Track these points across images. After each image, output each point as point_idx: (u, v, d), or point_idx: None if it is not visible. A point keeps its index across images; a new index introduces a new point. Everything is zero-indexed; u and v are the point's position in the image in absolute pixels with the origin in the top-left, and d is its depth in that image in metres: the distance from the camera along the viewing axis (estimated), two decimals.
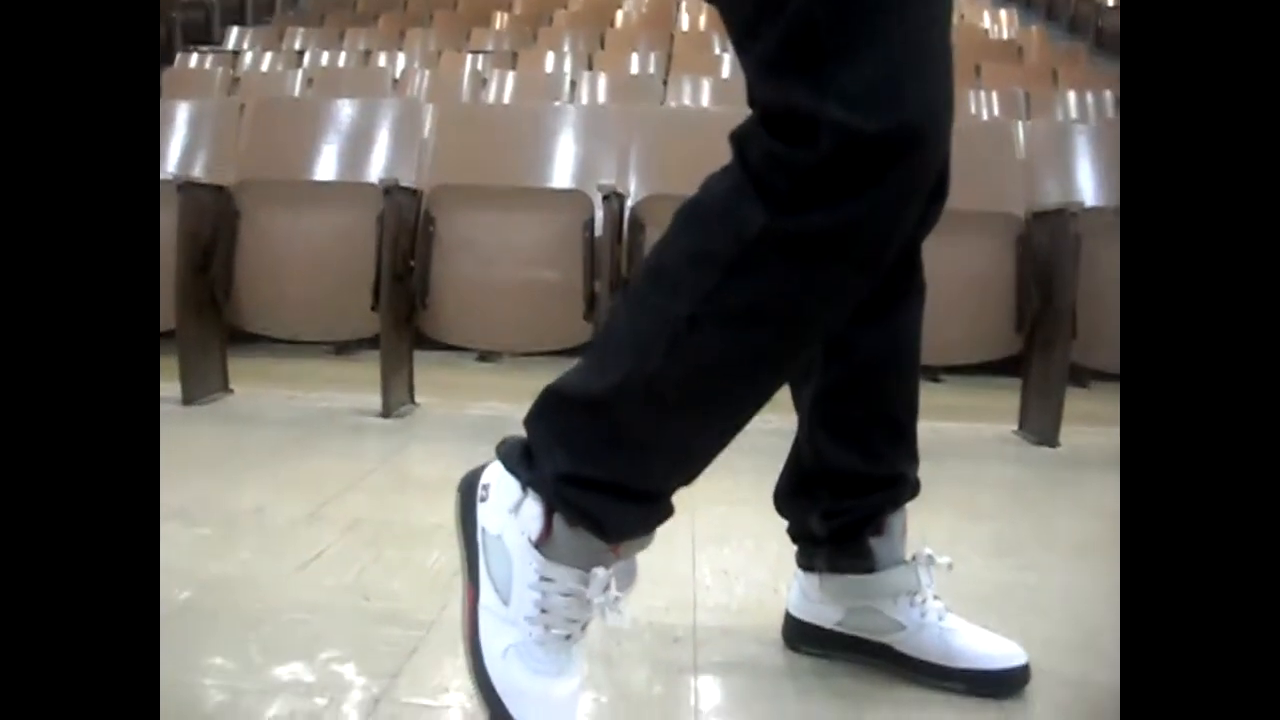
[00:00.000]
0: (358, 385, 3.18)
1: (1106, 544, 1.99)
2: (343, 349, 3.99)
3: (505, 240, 3.02)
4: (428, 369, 3.22)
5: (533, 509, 1.04)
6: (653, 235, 2.93)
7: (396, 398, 3.04)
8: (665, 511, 1.05)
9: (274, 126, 3.48)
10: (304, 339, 3.21)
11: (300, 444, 2.62)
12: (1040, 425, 2.99)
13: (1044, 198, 3.34)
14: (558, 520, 1.02)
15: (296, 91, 6.66)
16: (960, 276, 2.92)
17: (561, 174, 3.30)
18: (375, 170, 3.39)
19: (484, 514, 1.11)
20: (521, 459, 1.06)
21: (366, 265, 2.99)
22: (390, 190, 2.94)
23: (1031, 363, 3.05)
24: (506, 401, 3.33)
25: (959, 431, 3.05)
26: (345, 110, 3.54)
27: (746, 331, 0.92)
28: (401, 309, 3.02)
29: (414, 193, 3.08)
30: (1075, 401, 2.97)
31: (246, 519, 1.94)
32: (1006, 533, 2.05)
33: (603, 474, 0.99)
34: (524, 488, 1.04)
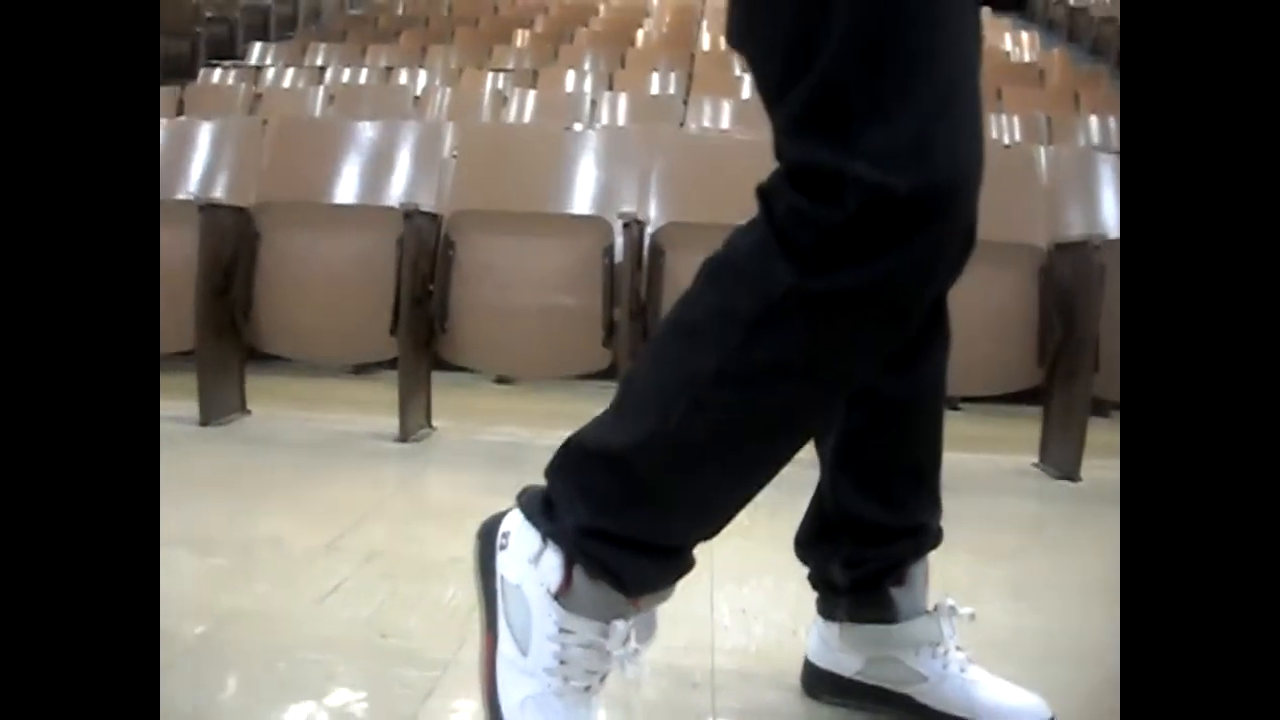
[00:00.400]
0: (375, 407, 3.17)
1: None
2: (360, 369, 3.99)
3: (525, 265, 3.02)
4: (445, 391, 3.21)
5: (553, 560, 1.03)
6: (673, 262, 2.93)
7: (414, 421, 3.04)
8: (686, 565, 1.04)
9: (295, 147, 3.49)
10: (322, 362, 3.20)
11: (317, 469, 2.62)
12: (1061, 458, 2.96)
13: (1067, 227, 3.32)
14: (578, 573, 1.01)
15: (318, 109, 6.69)
16: (982, 307, 2.90)
17: (582, 199, 3.30)
18: (395, 193, 3.40)
19: (503, 562, 1.10)
20: (542, 510, 1.05)
21: (386, 288, 2.99)
22: (410, 214, 2.94)
23: (1053, 395, 3.03)
24: (523, 427, 3.33)
25: (978, 464, 3.03)
26: (366, 132, 3.55)
27: (772, 389, 0.91)
28: (420, 333, 3.02)
29: (434, 217, 3.08)
30: (1097, 432, 2.94)
31: (263, 548, 1.93)
32: (1025, 575, 2.02)
33: (623, 529, 0.98)
34: (544, 539, 1.03)
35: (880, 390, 1.21)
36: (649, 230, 3.01)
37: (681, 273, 2.92)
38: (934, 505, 1.29)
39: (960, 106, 0.87)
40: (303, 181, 3.40)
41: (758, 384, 0.91)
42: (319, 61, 8.73)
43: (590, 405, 3.56)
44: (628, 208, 3.27)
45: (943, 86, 0.86)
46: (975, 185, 0.89)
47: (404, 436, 2.95)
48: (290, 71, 7.98)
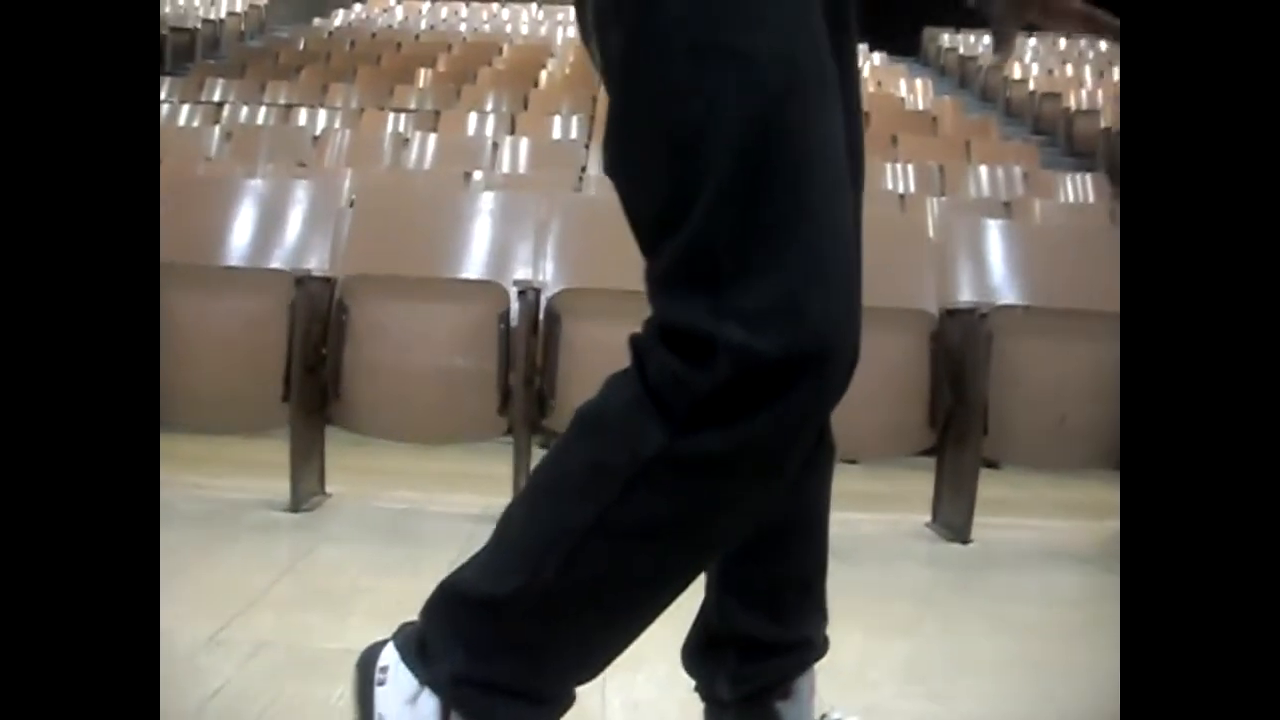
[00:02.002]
0: (267, 469, 3.08)
1: (1016, 664, 2.01)
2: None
3: (420, 331, 2.99)
4: (340, 448, 3.15)
5: (429, 704, 1.01)
6: (569, 328, 2.93)
7: (306, 488, 2.98)
8: (566, 705, 1.02)
9: (188, 205, 3.41)
10: (212, 430, 3.12)
11: (206, 549, 2.54)
12: (952, 519, 3.02)
13: (956, 290, 3.40)
14: (455, 718, 0.99)
15: (213, 149, 6.58)
16: (874, 371, 2.94)
17: (478, 261, 3.28)
18: (289, 251, 3.34)
19: (381, 700, 1.07)
20: (418, 653, 1.03)
21: (277, 353, 2.93)
22: (302, 280, 2.90)
23: (944, 457, 3.09)
24: (418, 490, 3.29)
25: (872, 525, 3.07)
26: (260, 188, 3.49)
27: (645, 545, 0.91)
28: (313, 400, 2.97)
29: (327, 281, 3.03)
30: (988, 485, 3.01)
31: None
32: (919, 655, 2.05)
33: (500, 676, 0.97)
34: (420, 684, 1.01)
35: None
36: (545, 295, 3.00)
37: (577, 338, 2.92)
38: (819, 617, 1.30)
39: (833, 264, 0.88)
40: (194, 239, 3.32)
41: (632, 540, 0.90)
42: (216, 97, 8.58)
43: (485, 466, 3.53)
44: (524, 271, 3.27)
45: (814, 244, 0.87)
46: (851, 340, 0.90)
47: (295, 506, 2.89)
48: (186, 108, 7.82)
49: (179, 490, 3.11)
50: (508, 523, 1.00)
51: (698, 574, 1.03)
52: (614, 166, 0.97)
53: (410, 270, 3.14)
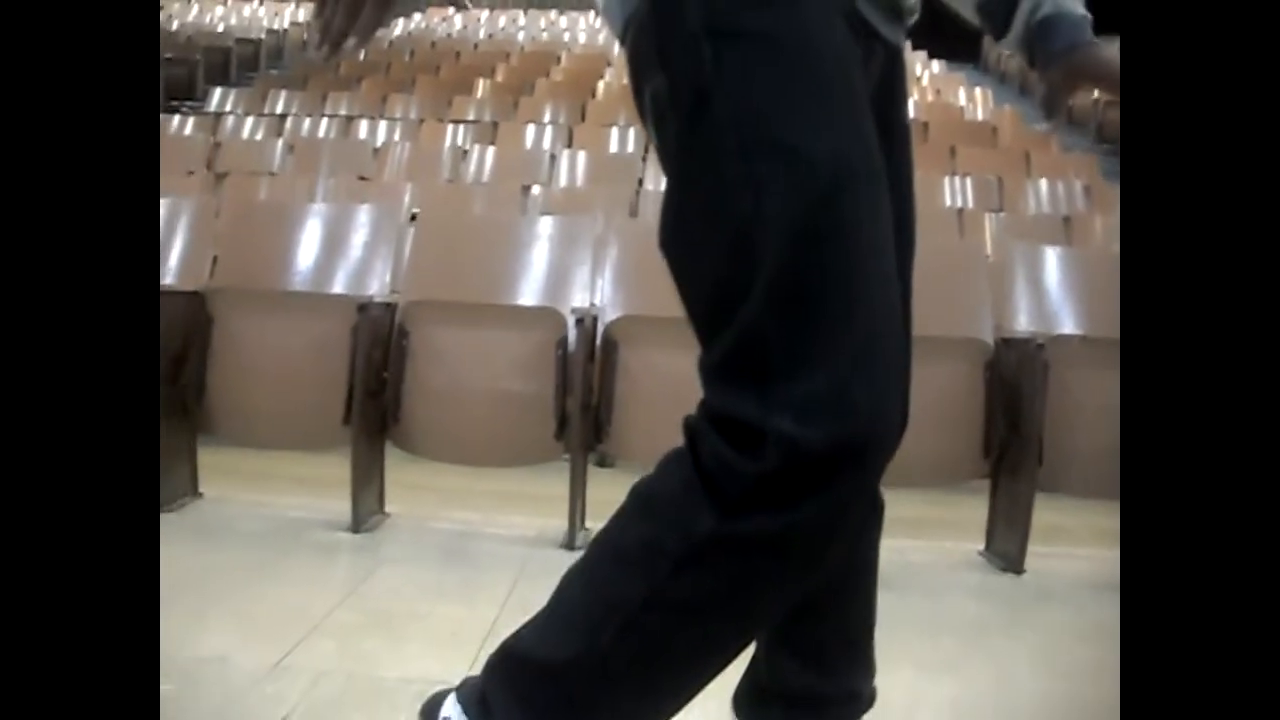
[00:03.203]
0: (328, 487, 3.14)
1: (1066, 707, 2.01)
2: None
3: (479, 356, 3.04)
4: (400, 466, 3.20)
5: None
6: (626, 355, 2.96)
7: (366, 508, 3.05)
8: None
9: (253, 230, 3.50)
10: (276, 447, 3.19)
11: (266, 569, 2.61)
12: (1006, 549, 3.01)
13: (1013, 316, 3.39)
14: None
15: (276, 163, 6.70)
16: (928, 399, 2.94)
17: (536, 287, 3.33)
18: (351, 274, 3.41)
19: None
20: (480, 710, 1.07)
21: (339, 376, 3.00)
22: (365, 306, 2.96)
23: (998, 486, 3.08)
24: (476, 511, 3.34)
25: (923, 554, 3.07)
26: (321, 214, 3.57)
27: (696, 620, 0.95)
28: (373, 423, 3.03)
29: (389, 306, 3.10)
30: (1042, 512, 2.99)
31: (208, 670, 1.93)
32: (967, 694, 2.06)
33: None
34: None
35: None
36: (603, 321, 3.04)
37: (633, 365, 2.95)
38: (867, 670, 1.33)
39: (879, 355, 0.91)
40: (257, 265, 3.40)
41: (683, 615, 0.94)
42: (279, 109, 8.73)
43: (542, 486, 3.56)
44: (581, 296, 3.31)
45: (862, 336, 0.90)
46: (895, 429, 0.93)
47: (356, 526, 2.95)
48: (250, 120, 7.98)
49: (242, 508, 3.20)
50: (566, 589, 1.04)
51: (747, 644, 1.07)
52: (668, 247, 1.00)
53: (469, 295, 3.19)
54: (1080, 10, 1.27)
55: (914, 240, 1.19)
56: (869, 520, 1.28)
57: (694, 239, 0.96)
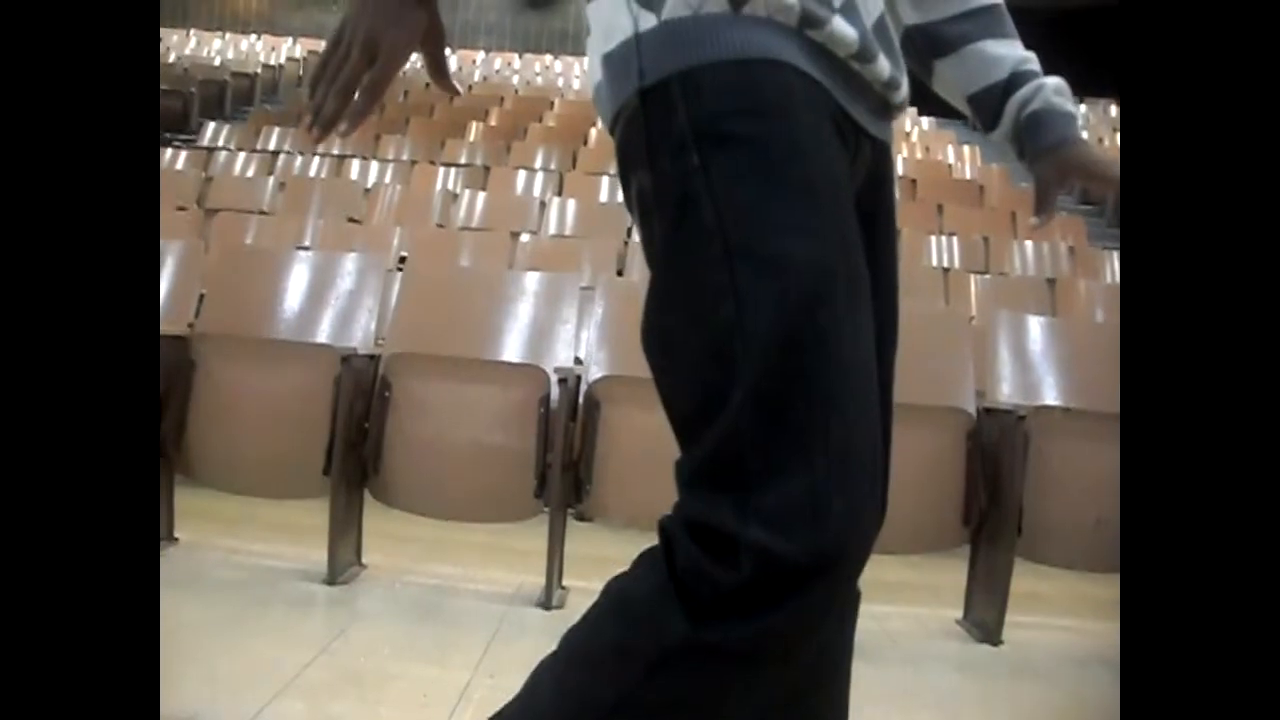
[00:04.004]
0: (306, 533, 3.11)
1: None
2: None
3: (460, 411, 3.04)
4: (379, 516, 3.17)
5: None
6: (608, 413, 2.96)
7: (343, 560, 3.03)
8: None
9: (238, 275, 3.50)
10: (254, 494, 3.18)
11: (239, 623, 2.59)
12: (983, 619, 3.01)
13: (996, 383, 3.40)
14: None
15: (267, 200, 6.72)
16: (909, 468, 2.94)
17: (520, 343, 3.33)
18: (335, 325, 3.41)
19: None
20: None
21: (321, 425, 2.99)
22: (348, 358, 2.96)
23: (977, 556, 3.08)
24: (454, 564, 3.32)
25: (901, 621, 3.07)
26: (309, 261, 3.57)
27: None
28: (353, 475, 3.01)
29: (372, 358, 3.09)
30: (1021, 578, 2.99)
31: None
32: None
33: None
34: None
35: None
36: (587, 379, 3.04)
37: (616, 425, 2.95)
38: None
39: (855, 466, 0.91)
40: (244, 309, 3.40)
41: (655, 718, 0.93)
42: (272, 145, 8.77)
43: (521, 540, 3.55)
44: (565, 352, 3.31)
45: (839, 447, 0.90)
46: (869, 539, 0.93)
47: (332, 578, 2.93)
48: (241, 156, 8.00)
49: (217, 554, 3.17)
50: (537, 687, 1.03)
51: None
52: (649, 348, 1.00)
53: (453, 349, 3.19)
54: (1069, 106, 1.28)
55: (896, 330, 1.19)
56: (845, 613, 1.27)
57: (675, 342, 0.96)
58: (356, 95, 1.06)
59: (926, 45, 1.30)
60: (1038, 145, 1.26)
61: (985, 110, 1.29)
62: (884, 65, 1.05)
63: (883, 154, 1.15)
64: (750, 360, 0.89)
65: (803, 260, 0.91)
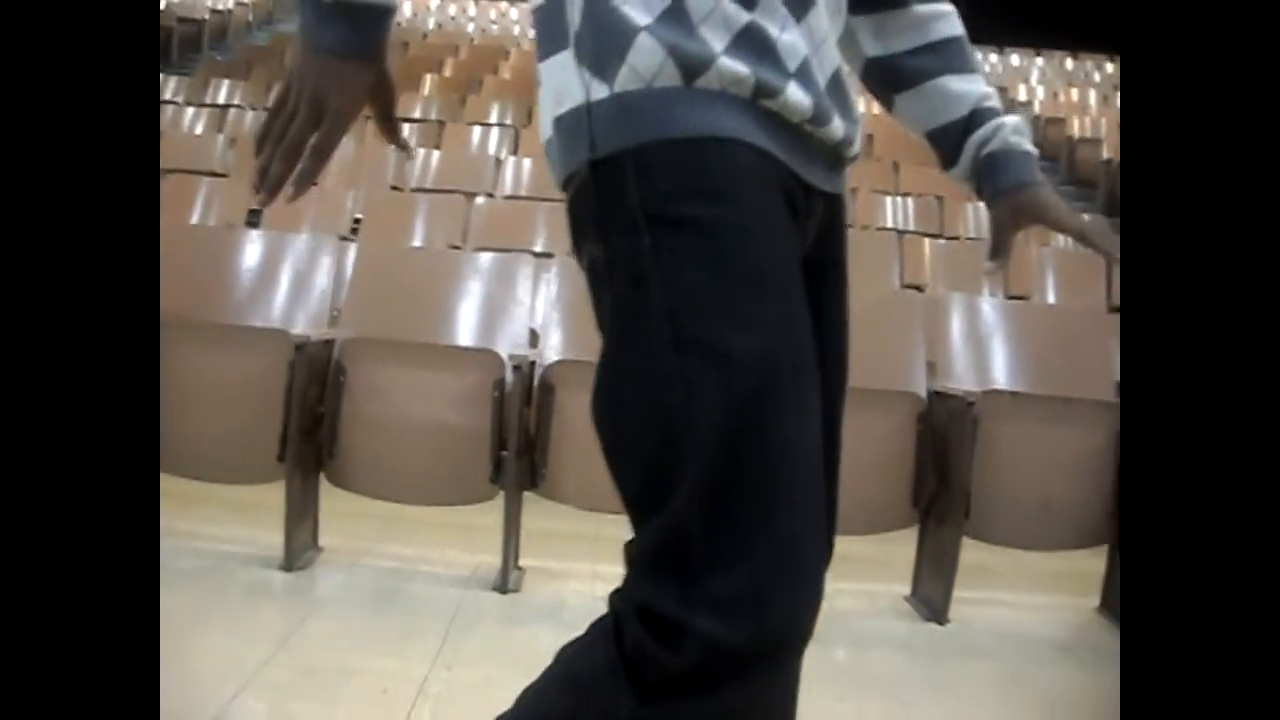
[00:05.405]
0: (262, 513, 3.10)
1: None
2: None
3: (416, 395, 3.04)
4: (335, 497, 3.18)
5: None
6: (563, 398, 2.97)
7: (300, 544, 3.04)
8: None
9: (188, 257, 3.46)
10: (210, 479, 3.17)
11: (197, 615, 2.60)
12: (930, 597, 3.08)
13: (948, 365, 3.45)
14: None
15: (217, 159, 6.62)
16: (859, 450, 2.97)
17: (474, 325, 3.33)
18: (287, 306, 3.39)
19: None
20: None
21: (274, 410, 2.98)
22: (302, 345, 2.95)
23: (925, 535, 3.15)
24: (410, 545, 3.34)
25: (850, 598, 3.13)
26: (259, 241, 3.54)
27: None
28: (308, 460, 3.02)
29: (326, 343, 3.08)
30: (969, 551, 3.05)
31: None
32: None
33: None
34: None
35: None
36: (541, 363, 3.05)
37: (572, 409, 2.96)
38: None
39: (799, 555, 0.93)
40: (195, 291, 3.36)
41: None
42: (221, 98, 8.61)
43: (479, 517, 3.56)
44: (520, 334, 3.32)
45: (783, 535, 0.92)
46: (808, 626, 0.95)
47: (289, 564, 2.95)
48: (190, 112, 7.85)
49: (175, 540, 3.16)
50: None
51: None
52: (600, 425, 1.01)
53: (407, 332, 3.19)
54: (1027, 146, 1.27)
55: (845, 374, 1.19)
56: (789, 684, 1.29)
57: (625, 419, 0.98)
58: (303, 158, 1.06)
59: (887, 78, 1.29)
60: (995, 186, 1.26)
61: (944, 148, 1.29)
62: (837, 126, 1.05)
63: (835, 205, 1.16)
64: (696, 448, 0.91)
65: (750, 352, 0.92)
